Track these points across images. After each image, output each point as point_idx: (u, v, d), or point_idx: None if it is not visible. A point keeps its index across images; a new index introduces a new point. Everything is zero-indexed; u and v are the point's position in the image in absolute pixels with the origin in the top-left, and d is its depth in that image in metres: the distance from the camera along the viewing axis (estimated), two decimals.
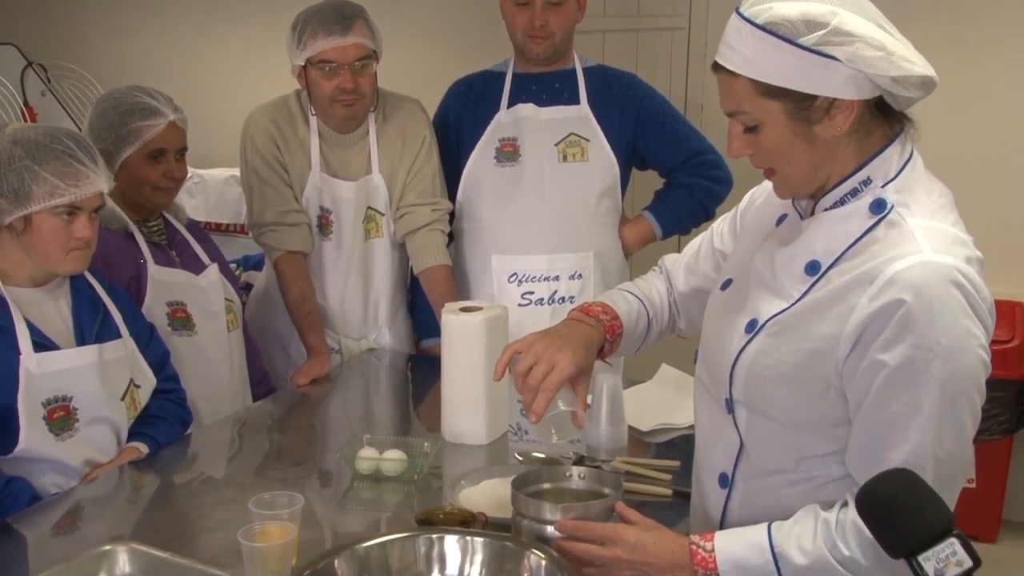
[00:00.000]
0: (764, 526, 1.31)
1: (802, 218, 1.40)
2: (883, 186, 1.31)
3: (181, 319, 2.32)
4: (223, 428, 2.29)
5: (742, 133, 1.32)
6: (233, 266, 3.28)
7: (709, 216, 2.81)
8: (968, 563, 1.11)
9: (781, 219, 1.45)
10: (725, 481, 1.44)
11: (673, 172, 2.78)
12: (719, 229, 1.65)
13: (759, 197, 1.57)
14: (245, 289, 3.14)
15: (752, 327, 1.37)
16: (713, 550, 1.32)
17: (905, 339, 1.22)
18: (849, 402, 1.29)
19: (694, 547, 1.33)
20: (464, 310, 2.11)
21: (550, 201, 2.67)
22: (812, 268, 1.33)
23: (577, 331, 1.56)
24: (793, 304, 1.34)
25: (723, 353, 1.41)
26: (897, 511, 1.13)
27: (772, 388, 1.34)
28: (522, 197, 2.67)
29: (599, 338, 1.57)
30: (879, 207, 1.30)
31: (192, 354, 2.33)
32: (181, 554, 1.54)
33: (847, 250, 1.30)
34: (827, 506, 1.31)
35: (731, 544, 1.32)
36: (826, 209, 1.35)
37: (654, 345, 1.73)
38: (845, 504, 1.29)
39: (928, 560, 1.11)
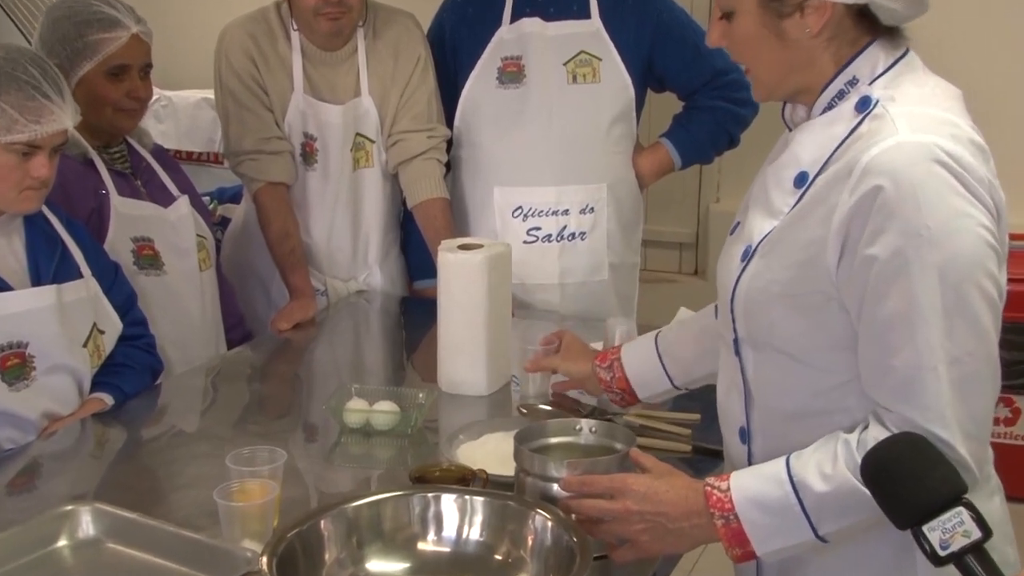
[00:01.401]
0: (782, 458, 1.32)
1: (790, 130, 1.43)
2: (870, 83, 1.33)
3: (148, 257, 2.30)
4: (196, 377, 2.29)
5: (719, 20, 1.39)
6: (206, 199, 3.27)
7: (733, 143, 2.79)
8: (977, 534, 1.11)
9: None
10: (744, 435, 1.45)
11: (694, 94, 2.76)
12: None
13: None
14: (220, 225, 3.14)
15: (746, 254, 1.39)
16: (729, 489, 1.33)
17: (890, 227, 1.22)
18: (850, 312, 1.29)
19: (709, 488, 1.34)
20: (463, 248, 2.10)
21: (558, 127, 2.65)
22: (800, 179, 1.34)
23: (579, 356, 1.87)
24: (783, 219, 1.35)
25: (725, 288, 1.43)
26: (901, 478, 1.13)
27: (769, 313, 1.35)
28: (527, 123, 2.65)
29: (584, 369, 1.80)
30: (864, 105, 1.32)
31: (161, 296, 2.31)
32: (150, 515, 1.53)
33: (833, 154, 1.31)
34: (850, 430, 1.32)
35: (747, 480, 1.33)
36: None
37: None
38: (867, 426, 1.29)
39: (933, 531, 1.11)
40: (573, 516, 1.40)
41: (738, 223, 1.50)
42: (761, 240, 1.36)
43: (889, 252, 1.22)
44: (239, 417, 2.08)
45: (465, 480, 1.56)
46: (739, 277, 1.39)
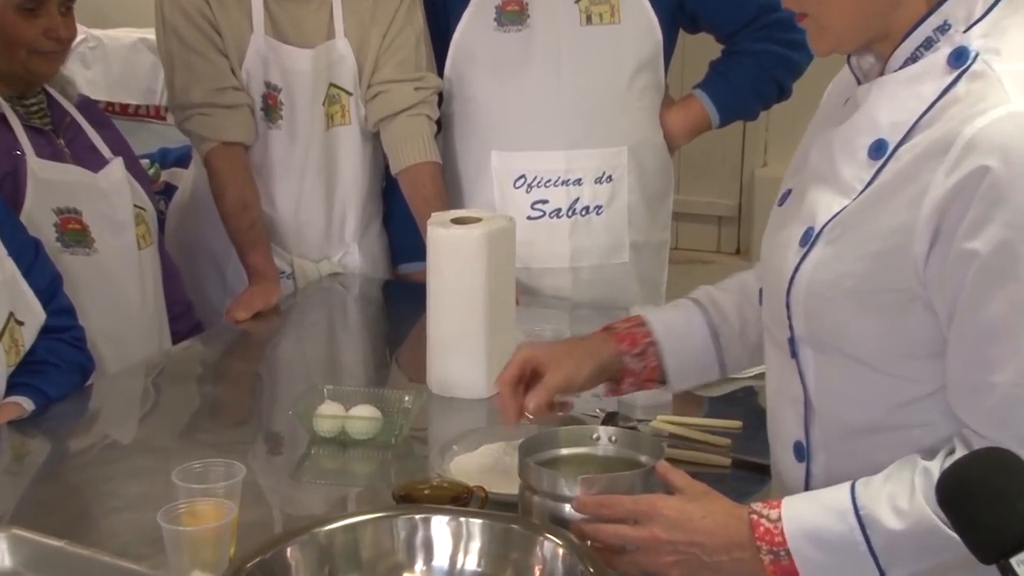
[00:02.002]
0: (846, 485, 1.32)
1: (860, 83, 1.40)
2: (965, 31, 1.31)
3: (74, 232, 2.30)
4: (134, 377, 2.30)
5: None
6: (146, 162, 3.27)
7: (784, 94, 2.79)
8: None
9: (847, 103, 1.46)
10: (801, 451, 1.44)
11: (734, 36, 2.76)
12: None
13: (831, 87, 1.56)
14: (163, 194, 3.14)
15: (808, 238, 1.38)
16: (780, 519, 1.33)
17: (996, 217, 1.21)
18: (939, 315, 1.28)
19: (755, 517, 1.34)
20: (457, 222, 2.10)
21: (569, 78, 2.65)
22: (878, 149, 1.33)
23: (575, 338, 1.70)
24: (856, 198, 1.34)
25: (778, 278, 1.42)
26: (986, 500, 1.11)
27: (839, 312, 1.34)
28: (531, 73, 2.66)
29: (602, 343, 1.65)
30: (960, 58, 1.29)
31: (91, 279, 2.32)
32: (80, 542, 1.53)
33: (920, 119, 1.30)
34: (930, 455, 1.32)
35: (803, 509, 1.33)
36: (894, 71, 1.35)
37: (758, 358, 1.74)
38: (952, 450, 1.29)
39: (1023, 564, 1.10)
40: (589, 543, 1.40)
41: (788, 192, 1.50)
42: (828, 222, 1.36)
43: (994, 247, 1.22)
44: (187, 425, 2.08)
45: (460, 499, 1.56)
46: (799, 265, 1.38)
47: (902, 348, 1.32)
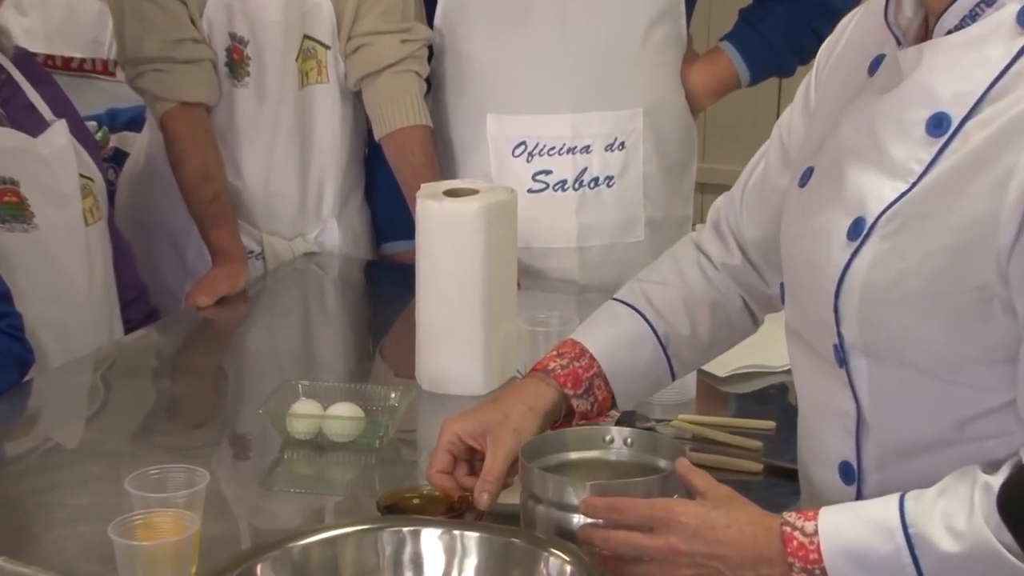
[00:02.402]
0: (893, 499, 1.32)
1: (900, 44, 1.39)
2: None
3: (11, 206, 2.30)
4: (80, 371, 2.30)
5: None
6: (93, 125, 3.25)
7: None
8: None
9: (876, 63, 1.45)
10: (850, 473, 1.45)
11: None
12: (784, 121, 1.67)
13: (839, 43, 1.58)
14: (113, 161, 3.13)
15: (858, 230, 1.37)
16: (816, 533, 1.32)
17: None
18: (1020, 314, 1.28)
19: (788, 530, 1.34)
20: (450, 194, 2.10)
21: (576, 30, 2.66)
22: (938, 124, 1.33)
23: (505, 391, 1.71)
24: (916, 183, 1.34)
25: (816, 277, 1.42)
26: None
27: (902, 317, 1.34)
28: (533, 25, 2.66)
29: (545, 390, 1.65)
30: None
31: (31, 259, 2.31)
32: (19, 558, 1.52)
33: (990, 89, 1.30)
34: (993, 468, 1.31)
35: (843, 523, 1.33)
36: (948, 32, 1.34)
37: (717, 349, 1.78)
38: (1020, 463, 1.29)
39: None
40: (597, 552, 1.41)
41: (809, 171, 1.49)
42: (883, 212, 1.35)
43: None
44: (141, 426, 2.08)
45: (453, 509, 1.56)
46: (849, 263, 1.38)
47: (975, 354, 1.32)
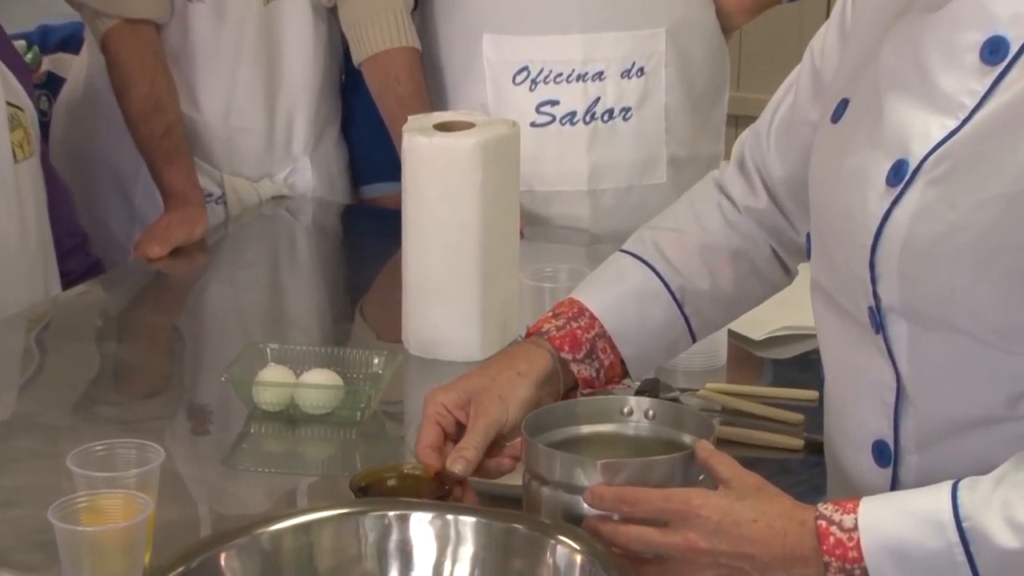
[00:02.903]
0: (945, 487, 1.32)
1: None
2: None
3: None
4: (10, 332, 2.30)
5: None
6: (21, 45, 3.24)
7: None
8: None
9: None
10: (886, 454, 1.45)
11: None
12: (817, 43, 1.65)
13: None
14: (46, 87, 3.11)
15: (900, 175, 1.37)
16: (856, 528, 1.32)
17: None
18: None
19: (824, 524, 1.34)
20: (442, 128, 2.10)
21: None
22: (994, 49, 1.32)
23: (495, 357, 1.73)
24: (968, 119, 1.33)
25: (853, 230, 1.41)
26: None
27: (950, 275, 1.34)
28: None
29: (537, 355, 1.65)
30: None
31: None
32: None
33: None
34: None
35: (887, 516, 1.33)
36: None
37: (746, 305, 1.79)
38: None
39: None
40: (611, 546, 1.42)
41: (844, 103, 1.48)
42: (930, 153, 1.35)
43: None
44: (83, 395, 2.09)
45: (443, 489, 1.56)
46: (889, 212, 1.37)
47: None
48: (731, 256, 1.73)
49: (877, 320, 1.41)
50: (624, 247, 1.75)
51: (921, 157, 1.35)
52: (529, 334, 1.69)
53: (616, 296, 1.70)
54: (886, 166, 1.38)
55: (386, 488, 1.57)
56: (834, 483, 1.58)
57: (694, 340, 1.75)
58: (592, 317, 1.68)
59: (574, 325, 1.67)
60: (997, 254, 1.31)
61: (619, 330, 1.68)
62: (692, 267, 1.71)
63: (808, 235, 1.57)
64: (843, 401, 1.51)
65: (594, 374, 1.67)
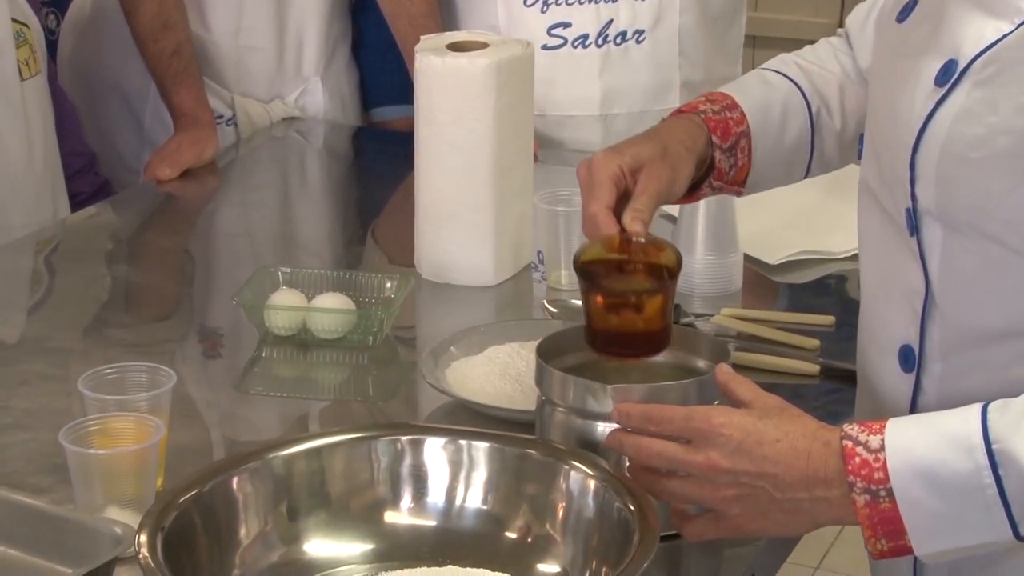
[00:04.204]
0: (975, 409, 1.31)
1: None
2: None
3: None
4: (20, 255, 2.31)
5: None
6: None
7: None
8: None
9: None
10: (910, 359, 1.45)
11: None
12: None
13: None
14: (53, 5, 3.08)
15: (947, 75, 1.36)
16: (882, 449, 1.31)
17: None
18: None
19: (849, 444, 1.33)
20: (455, 48, 2.10)
21: None
22: None
23: (654, 128, 1.62)
24: (1021, 24, 1.32)
25: (896, 125, 1.41)
26: None
27: (987, 180, 1.33)
28: None
29: (696, 131, 1.62)
30: None
31: None
32: None
33: None
34: None
35: (915, 439, 1.32)
36: None
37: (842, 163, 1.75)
38: None
39: None
40: (625, 463, 1.43)
41: (912, 3, 1.47)
42: (978, 55, 1.34)
43: None
44: (94, 318, 2.09)
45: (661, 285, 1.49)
46: (933, 112, 1.37)
47: None
48: (858, 101, 1.70)
49: (913, 222, 1.40)
50: (767, 66, 1.73)
51: (970, 58, 1.34)
52: (680, 112, 1.66)
53: (766, 100, 1.68)
54: (936, 66, 1.37)
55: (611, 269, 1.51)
56: (861, 388, 1.57)
57: (806, 175, 1.73)
58: (743, 114, 1.65)
59: (727, 115, 1.64)
60: None
61: (761, 134, 1.66)
62: (831, 99, 1.69)
63: (861, 136, 1.56)
64: (875, 303, 1.51)
65: (728, 169, 1.64)
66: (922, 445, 1.31)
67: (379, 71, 2.81)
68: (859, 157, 1.56)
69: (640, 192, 1.52)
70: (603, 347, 1.50)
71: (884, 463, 1.31)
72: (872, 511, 1.31)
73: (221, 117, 2.70)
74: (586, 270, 1.49)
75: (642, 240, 1.47)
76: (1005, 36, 1.32)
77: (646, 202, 1.51)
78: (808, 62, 1.72)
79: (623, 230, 1.48)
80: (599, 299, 1.49)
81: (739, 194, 1.71)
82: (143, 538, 1.29)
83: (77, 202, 2.53)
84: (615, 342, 1.50)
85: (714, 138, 1.62)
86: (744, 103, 1.65)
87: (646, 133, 1.60)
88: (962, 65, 1.35)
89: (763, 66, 1.74)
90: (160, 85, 2.63)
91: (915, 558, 1.37)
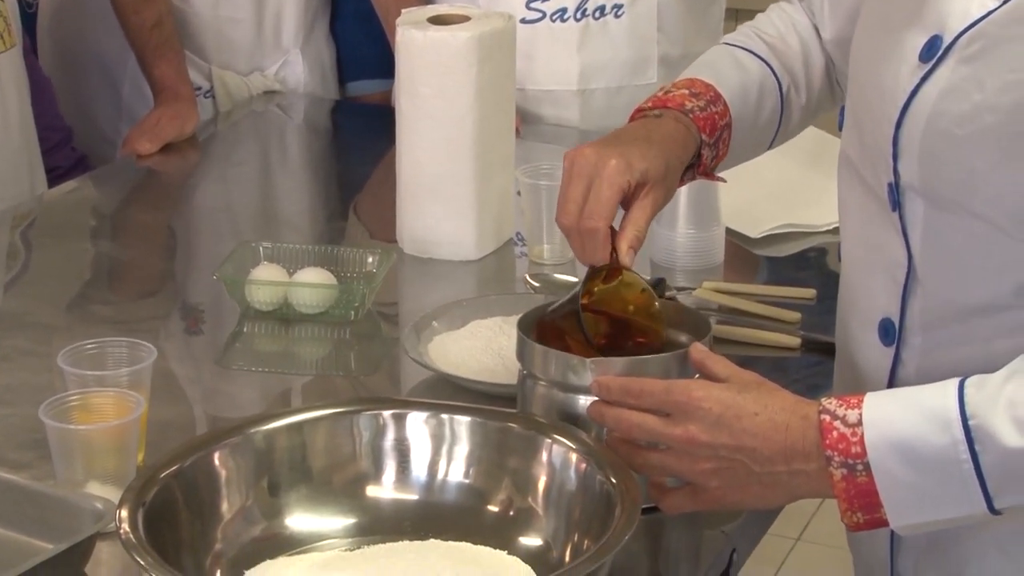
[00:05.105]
0: (952, 384, 1.31)
1: None
2: None
3: None
4: None
5: None
6: None
7: None
8: None
9: None
10: (891, 333, 1.45)
11: None
12: None
13: None
14: None
15: (933, 50, 1.36)
16: (860, 423, 1.32)
17: None
18: None
19: (827, 418, 1.34)
20: (436, 21, 2.09)
21: None
22: None
23: (651, 128, 1.61)
24: (1006, 1, 1.32)
25: (880, 100, 1.41)
26: None
27: (971, 157, 1.33)
28: None
29: (687, 136, 1.61)
30: None
31: None
32: None
33: None
34: None
35: (893, 413, 1.32)
36: None
37: (799, 131, 1.76)
38: None
39: None
40: (605, 436, 1.43)
41: None
42: (965, 31, 1.33)
43: None
44: (73, 294, 2.09)
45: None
46: (917, 88, 1.36)
47: None
48: (824, 71, 1.72)
49: (895, 197, 1.40)
50: (730, 41, 1.72)
51: (956, 33, 1.34)
52: (665, 106, 1.63)
53: (744, 88, 1.67)
54: (921, 41, 1.37)
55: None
56: (840, 360, 1.57)
57: (770, 147, 1.74)
58: (726, 106, 1.65)
59: (712, 110, 1.63)
60: (1019, 138, 1.30)
61: (740, 122, 1.66)
62: (798, 75, 1.70)
63: (842, 109, 1.55)
64: (856, 276, 1.51)
65: (710, 161, 1.64)
66: (899, 420, 1.32)
67: (356, 44, 2.81)
68: (839, 128, 1.56)
69: (638, 218, 1.52)
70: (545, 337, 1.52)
71: (862, 437, 1.31)
72: (849, 485, 1.32)
73: (200, 89, 2.70)
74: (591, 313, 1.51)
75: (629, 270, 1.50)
76: (991, 12, 1.32)
77: (644, 228, 1.52)
78: (771, 37, 1.72)
79: (613, 250, 1.49)
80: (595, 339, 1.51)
81: (723, 180, 1.72)
82: (124, 513, 1.29)
83: (54, 177, 2.53)
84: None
85: (703, 136, 1.61)
86: (726, 94, 1.65)
87: (649, 139, 1.58)
88: (947, 41, 1.34)
89: (728, 40, 1.73)
90: (140, 58, 2.62)
91: (891, 531, 1.37)
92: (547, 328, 1.52)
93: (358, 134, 2.71)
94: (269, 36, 2.77)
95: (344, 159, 2.71)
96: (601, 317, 1.52)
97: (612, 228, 1.50)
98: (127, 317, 1.98)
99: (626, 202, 1.52)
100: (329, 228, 2.36)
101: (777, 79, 1.69)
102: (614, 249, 1.49)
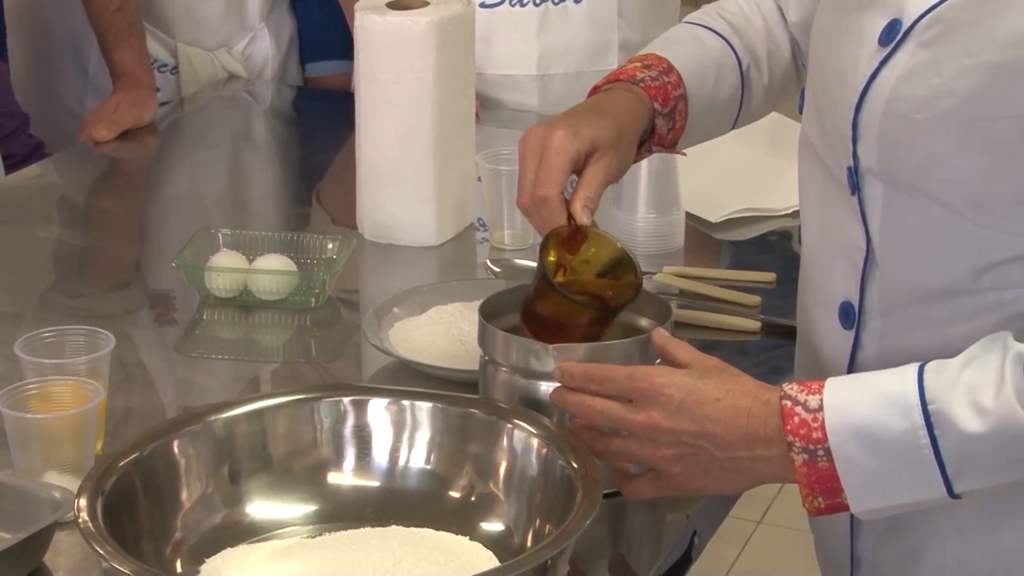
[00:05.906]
0: (911, 369, 1.32)
1: None
2: None
3: None
4: None
5: None
6: None
7: None
8: None
9: None
10: (850, 315, 1.45)
11: None
12: None
13: None
14: None
15: (892, 34, 1.36)
16: (820, 408, 1.33)
17: None
18: None
19: (788, 404, 1.34)
20: (395, 6, 2.09)
21: None
22: None
23: (600, 100, 1.62)
24: None
25: (839, 85, 1.41)
26: None
27: (929, 142, 1.33)
28: None
29: (639, 107, 1.60)
30: None
31: None
32: None
33: None
34: None
35: (853, 398, 1.33)
36: None
37: (765, 112, 1.76)
38: None
39: None
40: (568, 422, 1.43)
41: None
42: (924, 15, 1.33)
43: None
44: (35, 282, 2.08)
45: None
46: (876, 72, 1.37)
47: (1008, 192, 1.31)
48: (791, 55, 1.72)
49: (854, 181, 1.40)
50: (691, 20, 1.73)
51: (915, 17, 1.34)
52: (617, 79, 1.63)
53: (700, 62, 1.67)
54: (880, 24, 1.36)
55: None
56: (800, 343, 1.58)
57: (733, 127, 1.73)
58: (679, 77, 1.64)
59: (665, 79, 1.63)
60: (977, 123, 1.30)
61: (697, 95, 1.65)
62: (759, 54, 1.69)
63: (802, 92, 1.56)
64: (816, 259, 1.51)
65: (666, 132, 1.64)
66: (859, 405, 1.32)
67: (315, 25, 2.81)
68: (800, 111, 1.56)
69: (590, 180, 1.51)
70: (535, 330, 1.50)
71: (822, 423, 1.32)
72: (810, 470, 1.32)
73: (165, 66, 2.71)
74: (551, 278, 1.48)
75: (592, 229, 1.48)
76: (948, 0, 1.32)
77: (596, 190, 1.51)
78: (733, 15, 1.72)
79: (570, 217, 1.48)
80: (549, 305, 1.49)
81: (683, 154, 1.71)
82: (83, 502, 1.28)
83: (10, 164, 2.52)
84: (548, 333, 1.49)
85: (655, 105, 1.61)
86: (680, 66, 1.64)
87: (598, 109, 1.59)
88: (906, 25, 1.34)
89: (689, 19, 1.73)
90: (102, 40, 2.62)
91: (852, 515, 1.38)
92: (536, 307, 1.50)
93: (321, 119, 2.71)
94: (233, 10, 2.77)
95: (308, 145, 2.71)
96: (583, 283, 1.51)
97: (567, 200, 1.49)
98: (85, 305, 1.98)
99: (580, 173, 1.52)
100: (292, 214, 2.36)
101: (737, 57, 1.68)
102: (571, 218, 1.48)
